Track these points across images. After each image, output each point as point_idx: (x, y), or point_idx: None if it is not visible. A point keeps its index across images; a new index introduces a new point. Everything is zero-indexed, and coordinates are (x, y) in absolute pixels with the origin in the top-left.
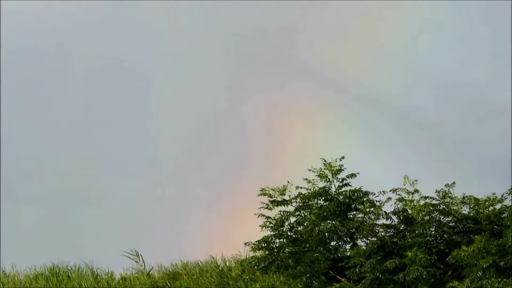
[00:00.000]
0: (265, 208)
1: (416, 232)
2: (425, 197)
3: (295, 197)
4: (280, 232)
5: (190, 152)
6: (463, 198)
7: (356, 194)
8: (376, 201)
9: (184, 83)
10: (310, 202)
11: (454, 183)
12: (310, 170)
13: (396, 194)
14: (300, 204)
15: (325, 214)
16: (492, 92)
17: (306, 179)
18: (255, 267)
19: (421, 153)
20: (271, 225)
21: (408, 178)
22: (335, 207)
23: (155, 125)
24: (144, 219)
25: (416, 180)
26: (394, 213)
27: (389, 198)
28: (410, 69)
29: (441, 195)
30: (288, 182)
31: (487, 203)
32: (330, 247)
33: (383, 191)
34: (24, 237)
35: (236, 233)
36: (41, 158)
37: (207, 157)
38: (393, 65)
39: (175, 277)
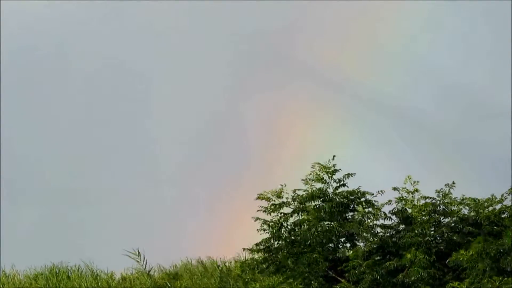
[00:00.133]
0: (263, 211)
1: (416, 231)
2: (425, 197)
3: (293, 199)
4: (278, 234)
5: (190, 152)
6: (462, 199)
7: (354, 194)
8: (375, 201)
9: (184, 83)
10: (307, 204)
11: (454, 183)
12: (303, 180)
13: (399, 192)
14: (298, 205)
15: (322, 215)
16: (492, 92)
17: (303, 180)
18: (255, 269)
19: (421, 153)
20: (269, 228)
21: (410, 178)
22: (332, 208)
23: (155, 125)
24: (144, 219)
25: (418, 181)
26: (393, 213)
27: (390, 201)
28: (410, 69)
29: (441, 195)
30: (281, 185)
31: (486, 203)
32: (329, 247)
33: (381, 191)
34: (24, 237)
35: (236, 233)
36: (41, 158)
37: (207, 157)
38: (393, 65)
39: (175, 277)
